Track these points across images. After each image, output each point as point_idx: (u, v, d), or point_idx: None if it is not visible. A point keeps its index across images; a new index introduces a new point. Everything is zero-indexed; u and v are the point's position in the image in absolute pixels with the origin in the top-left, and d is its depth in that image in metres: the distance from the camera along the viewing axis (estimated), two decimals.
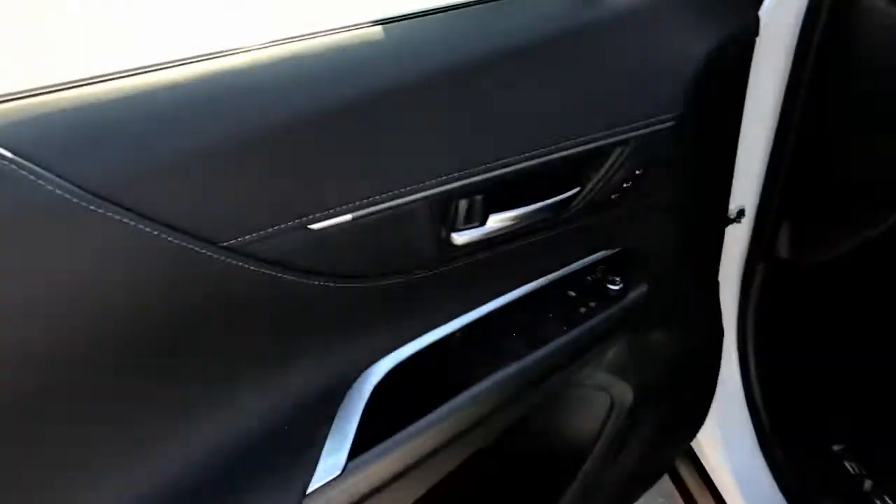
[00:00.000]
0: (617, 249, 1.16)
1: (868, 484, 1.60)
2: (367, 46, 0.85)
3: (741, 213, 1.46)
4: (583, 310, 1.07)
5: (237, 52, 0.81)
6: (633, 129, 0.98)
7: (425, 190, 0.86)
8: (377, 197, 0.84)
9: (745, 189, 1.43)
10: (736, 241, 1.49)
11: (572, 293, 1.09)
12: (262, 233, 0.78)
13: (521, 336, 1.03)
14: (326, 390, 0.92)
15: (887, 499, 1.57)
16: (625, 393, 1.26)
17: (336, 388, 0.93)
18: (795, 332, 1.59)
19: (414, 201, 0.86)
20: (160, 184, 0.71)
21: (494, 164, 0.90)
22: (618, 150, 0.98)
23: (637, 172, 1.02)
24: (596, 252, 1.14)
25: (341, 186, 0.82)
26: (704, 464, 1.65)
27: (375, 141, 0.82)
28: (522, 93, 0.91)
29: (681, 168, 1.11)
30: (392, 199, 0.85)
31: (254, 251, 0.78)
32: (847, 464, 1.63)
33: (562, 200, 1.00)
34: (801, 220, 1.46)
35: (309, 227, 0.81)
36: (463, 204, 0.92)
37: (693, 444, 1.65)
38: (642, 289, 1.12)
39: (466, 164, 0.88)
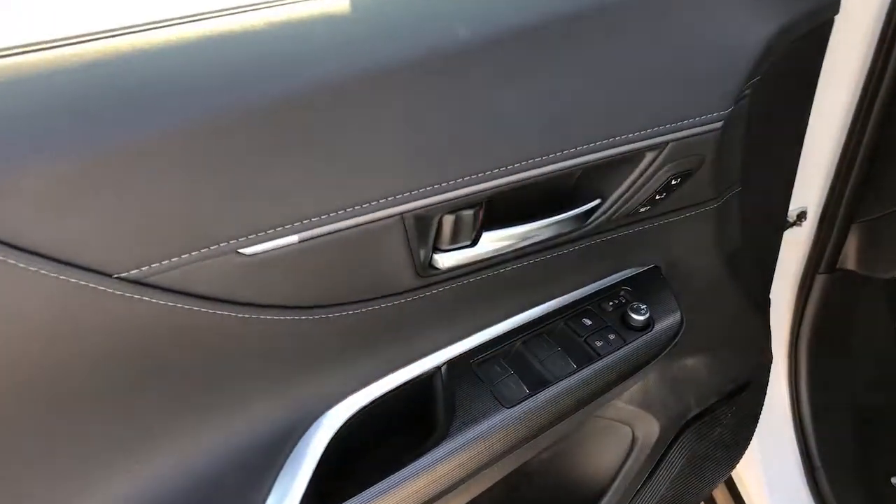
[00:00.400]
0: (648, 267, 0.96)
1: None
2: (322, 23, 0.66)
3: (802, 215, 1.26)
4: (599, 343, 0.88)
5: (126, 32, 0.62)
6: (669, 132, 0.78)
7: (397, 205, 0.68)
8: (332, 214, 0.66)
9: (809, 188, 1.23)
10: (793, 248, 1.28)
11: (588, 321, 0.90)
12: (174, 260, 0.61)
13: (520, 375, 0.85)
14: (270, 440, 0.76)
15: None
16: (650, 427, 1.08)
17: (282, 438, 0.76)
18: (857, 355, 1.38)
19: (381, 219, 0.68)
20: (27, 205, 0.54)
21: (488, 173, 0.71)
22: (649, 156, 0.79)
23: (673, 182, 0.82)
24: (620, 271, 0.95)
25: (283, 202, 0.64)
26: (743, 495, 1.46)
27: (330, 144, 0.64)
28: (527, 84, 0.71)
29: (731, 169, 0.91)
30: (352, 217, 0.67)
31: (166, 282, 0.61)
32: None
33: (577, 216, 0.81)
34: (876, 226, 1.25)
35: (241, 251, 0.63)
36: (448, 221, 0.73)
37: (733, 473, 1.46)
38: (673, 318, 0.92)
39: (451, 172, 0.70)
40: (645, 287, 0.95)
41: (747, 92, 0.84)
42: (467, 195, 0.71)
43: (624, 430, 1.08)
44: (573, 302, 0.93)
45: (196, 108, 0.59)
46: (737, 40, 0.80)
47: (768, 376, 1.21)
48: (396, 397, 0.83)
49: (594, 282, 0.93)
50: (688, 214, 0.91)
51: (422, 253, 0.74)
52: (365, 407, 0.81)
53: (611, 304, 0.92)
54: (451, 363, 0.85)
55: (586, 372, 0.86)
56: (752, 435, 1.22)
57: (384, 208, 0.68)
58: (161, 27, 0.63)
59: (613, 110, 0.76)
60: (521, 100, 0.72)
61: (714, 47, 0.79)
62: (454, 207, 0.73)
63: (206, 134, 0.59)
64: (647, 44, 0.76)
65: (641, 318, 0.90)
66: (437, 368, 0.85)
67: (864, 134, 1.12)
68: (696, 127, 0.79)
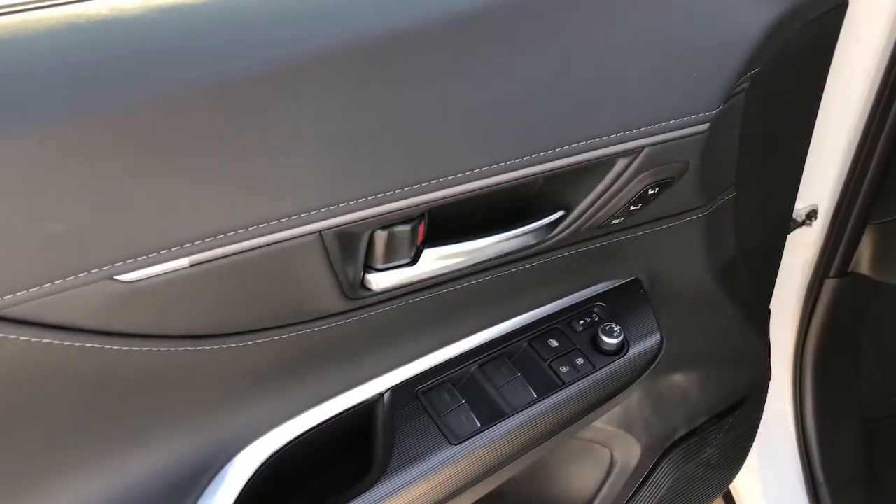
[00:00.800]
0: (627, 280, 0.85)
1: None
2: (213, 7, 0.56)
3: (812, 214, 1.14)
4: (564, 369, 0.78)
5: None
6: (645, 135, 0.66)
7: (313, 221, 0.58)
8: (231, 234, 0.56)
9: (820, 185, 1.10)
10: (801, 251, 1.17)
11: (554, 342, 0.80)
12: (34, 291, 0.51)
13: (472, 405, 0.75)
14: (180, 478, 0.67)
15: None
16: (631, 449, 0.98)
17: (193, 476, 0.67)
18: (867, 366, 1.27)
19: (294, 238, 0.58)
20: None
21: (426, 185, 0.60)
22: (621, 163, 0.68)
23: (651, 192, 0.71)
24: (595, 284, 0.84)
25: (169, 218, 0.54)
26: None
27: (227, 149, 0.54)
28: (473, 78, 0.60)
29: (722, 173, 0.80)
30: (257, 236, 0.57)
31: (27, 314, 0.52)
32: None
33: (537, 230, 0.71)
34: (893, 228, 1.13)
35: (117, 278, 0.54)
36: (380, 237, 0.63)
37: (731, 488, 1.36)
38: (651, 341, 0.82)
39: (380, 183, 0.59)
40: (622, 303, 0.84)
41: (743, 86, 0.72)
42: (402, 209, 0.61)
43: (602, 452, 0.99)
44: (540, 319, 0.82)
45: (53, 107, 0.49)
46: (729, 28, 0.68)
47: (766, 392, 1.10)
48: (332, 429, 0.74)
49: (564, 297, 0.83)
50: (672, 224, 0.80)
51: (349, 273, 0.64)
52: (295, 440, 0.72)
53: (582, 322, 0.82)
54: (395, 390, 0.76)
55: (548, 402, 0.76)
56: (747, 455, 1.12)
57: (297, 225, 0.58)
58: None
59: (577, 109, 0.65)
60: (466, 97, 0.61)
61: (701, 36, 0.68)
62: (387, 222, 0.62)
63: (66, 138, 0.49)
64: (618, 32, 0.65)
65: (614, 340, 0.79)
66: (380, 395, 0.75)
67: (883, 127, 1.00)
68: (676, 130, 0.67)
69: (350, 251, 0.62)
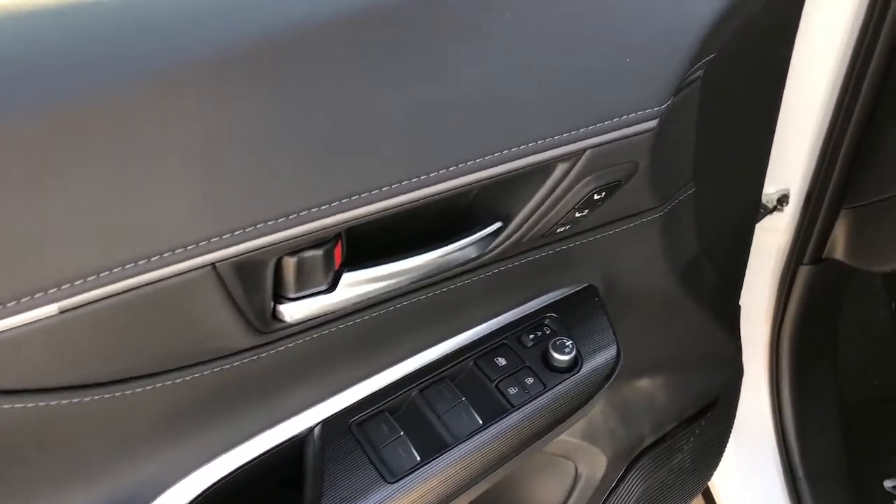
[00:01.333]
0: (581, 287, 0.78)
1: None
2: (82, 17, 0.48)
3: (784, 199, 1.08)
4: (513, 390, 0.71)
5: None
6: (586, 136, 0.59)
7: (203, 253, 0.51)
8: (106, 274, 0.48)
9: (791, 169, 1.04)
10: (774, 237, 1.10)
11: (502, 361, 0.73)
12: None
13: (411, 437, 0.68)
14: None
15: None
16: (596, 461, 0.92)
17: None
18: (845, 354, 1.22)
19: (182, 273, 0.51)
20: None
21: (337, 204, 0.53)
22: (561, 168, 0.61)
23: (596, 197, 0.64)
24: (545, 294, 0.77)
25: (31, 259, 0.46)
26: None
27: (96, 173, 0.46)
28: (388, 80, 0.53)
29: (678, 169, 0.73)
30: (137, 274, 0.49)
31: None
32: None
33: (473, 244, 0.63)
34: (869, 212, 1.07)
35: None
36: (289, 264, 0.56)
37: (710, 486, 1.30)
38: (607, 354, 0.75)
39: (281, 206, 0.52)
40: (576, 313, 0.77)
41: (697, 74, 0.65)
42: (310, 232, 0.54)
43: (565, 465, 0.92)
44: (487, 335, 0.75)
45: None
46: (677, 13, 0.61)
47: (739, 391, 1.04)
48: (258, 470, 0.67)
49: (510, 310, 0.76)
50: (626, 227, 0.73)
51: (256, 306, 0.57)
52: (214, 485, 0.65)
53: (532, 336, 0.75)
54: (326, 423, 0.69)
55: (495, 429, 0.70)
56: (721, 456, 1.07)
57: (183, 259, 0.50)
58: None
59: (508, 112, 0.57)
60: (378, 101, 0.53)
61: (644, 24, 0.60)
62: (296, 247, 0.55)
63: None
64: (550, 24, 0.57)
65: (566, 357, 0.72)
66: (310, 430, 0.68)
67: (854, 107, 0.93)
68: (621, 129, 0.60)
69: (254, 282, 0.55)
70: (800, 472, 1.21)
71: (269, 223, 0.52)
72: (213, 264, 0.51)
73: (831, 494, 1.24)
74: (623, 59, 0.60)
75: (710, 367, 0.99)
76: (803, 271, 1.13)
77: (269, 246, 0.53)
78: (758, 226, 1.03)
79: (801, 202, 1.07)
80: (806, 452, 1.19)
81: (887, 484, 1.28)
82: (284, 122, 0.51)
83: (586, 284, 0.79)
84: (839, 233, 1.09)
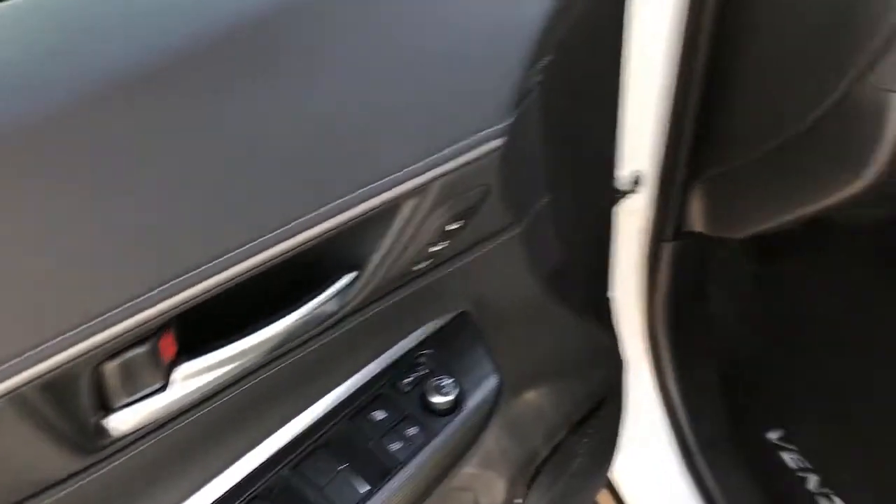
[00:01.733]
0: (453, 315, 0.73)
1: (814, 481, 1.30)
2: None
3: (638, 180, 1.06)
4: (396, 446, 0.65)
5: None
6: (428, 168, 0.53)
7: (4, 379, 0.41)
8: None
9: (642, 149, 1.03)
10: (634, 219, 1.09)
11: (380, 414, 0.67)
12: None
13: None
14: None
15: (834, 497, 1.27)
16: (495, 486, 0.87)
17: None
18: (717, 323, 1.23)
19: None
20: None
21: (159, 291, 0.45)
22: (409, 206, 0.55)
23: (452, 228, 0.59)
24: (415, 331, 0.71)
25: None
26: (624, 499, 1.30)
27: None
28: (184, 132, 0.45)
29: (531, 181, 0.68)
30: None
31: None
32: (786, 456, 1.31)
33: (325, 301, 0.57)
34: (719, 183, 1.08)
35: None
36: (110, 370, 0.47)
37: (612, 480, 1.30)
38: (488, 386, 0.70)
39: (89, 307, 0.43)
40: (452, 344, 0.72)
41: (536, 81, 0.60)
42: (127, 331, 0.45)
43: (464, 497, 0.87)
44: (360, 388, 0.69)
45: None
46: (505, 22, 0.56)
47: (624, 383, 1.03)
48: None
49: (381, 355, 0.69)
50: (487, 248, 0.68)
51: (77, 423, 0.48)
52: None
53: (408, 380, 0.69)
54: None
55: (385, 492, 0.63)
56: (616, 450, 1.05)
57: None
58: None
59: (342, 154, 0.51)
60: (194, 161, 0.45)
61: (473, 40, 0.55)
62: (113, 350, 0.47)
63: None
64: (375, 54, 0.51)
65: (446, 398, 0.67)
66: None
67: (691, 81, 0.93)
68: (467, 153, 0.55)
69: (69, 398, 0.46)
70: (693, 447, 1.22)
71: (74, 332, 0.43)
72: (12, 392, 0.42)
73: (724, 458, 1.25)
74: (456, 80, 0.55)
75: (592, 366, 0.97)
76: (667, 248, 1.13)
77: (80, 356, 0.44)
78: (619, 210, 1.02)
79: (656, 181, 1.07)
80: (695, 426, 1.20)
81: (770, 436, 1.32)
82: (76, 206, 0.42)
83: (458, 312, 0.73)
84: (695, 206, 1.10)
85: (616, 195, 0.97)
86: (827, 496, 1.25)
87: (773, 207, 1.03)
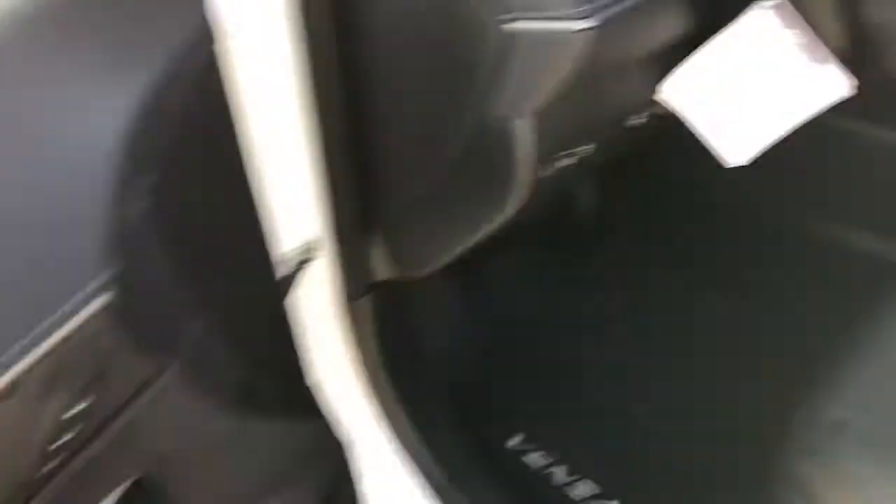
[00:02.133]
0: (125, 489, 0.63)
1: (560, 472, 1.35)
2: None
3: (313, 247, 1.02)
4: None
5: None
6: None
7: None
8: None
9: (306, 219, 0.99)
10: (320, 289, 1.04)
11: None
12: None
13: None
14: None
15: (587, 480, 1.33)
16: None
17: None
18: (440, 357, 1.23)
19: None
20: None
21: None
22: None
23: (69, 416, 0.49)
24: None
25: None
26: None
27: None
28: None
29: (159, 332, 0.60)
30: None
31: None
32: (529, 458, 1.35)
33: None
34: (395, 224, 1.07)
35: None
36: None
37: None
38: None
39: None
40: None
41: (141, 207, 0.53)
42: None
43: None
44: None
45: None
46: (78, 168, 0.48)
47: (352, 459, 0.97)
48: None
49: None
50: (140, 405, 0.59)
51: None
52: None
53: None
54: None
55: None
56: None
57: None
58: None
59: None
60: None
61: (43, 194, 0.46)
62: None
63: None
64: None
65: None
66: None
67: (332, 135, 0.90)
68: (58, 331, 0.46)
69: None
70: (444, 485, 1.20)
71: None
72: None
73: (474, 483, 1.25)
74: (30, 248, 0.45)
75: (318, 462, 0.91)
76: (362, 306, 1.09)
77: None
78: (299, 288, 0.96)
79: (333, 243, 1.03)
80: (441, 465, 1.19)
81: (511, 444, 1.35)
82: None
83: (132, 481, 0.63)
84: (377, 255, 1.08)
85: (286, 282, 0.92)
86: (574, 483, 1.29)
87: (449, 240, 1.04)
